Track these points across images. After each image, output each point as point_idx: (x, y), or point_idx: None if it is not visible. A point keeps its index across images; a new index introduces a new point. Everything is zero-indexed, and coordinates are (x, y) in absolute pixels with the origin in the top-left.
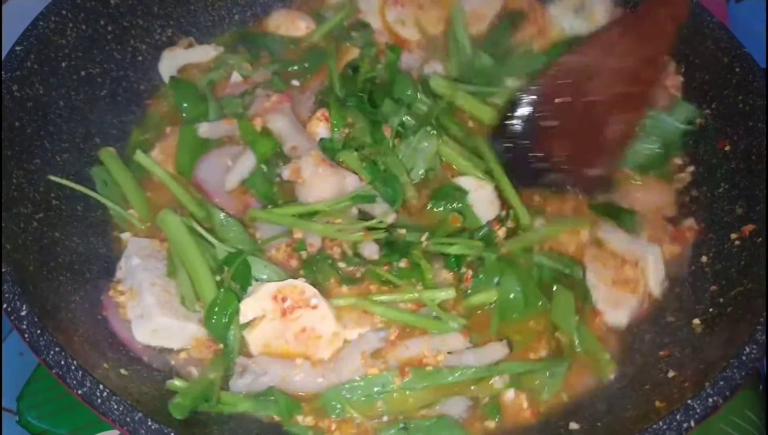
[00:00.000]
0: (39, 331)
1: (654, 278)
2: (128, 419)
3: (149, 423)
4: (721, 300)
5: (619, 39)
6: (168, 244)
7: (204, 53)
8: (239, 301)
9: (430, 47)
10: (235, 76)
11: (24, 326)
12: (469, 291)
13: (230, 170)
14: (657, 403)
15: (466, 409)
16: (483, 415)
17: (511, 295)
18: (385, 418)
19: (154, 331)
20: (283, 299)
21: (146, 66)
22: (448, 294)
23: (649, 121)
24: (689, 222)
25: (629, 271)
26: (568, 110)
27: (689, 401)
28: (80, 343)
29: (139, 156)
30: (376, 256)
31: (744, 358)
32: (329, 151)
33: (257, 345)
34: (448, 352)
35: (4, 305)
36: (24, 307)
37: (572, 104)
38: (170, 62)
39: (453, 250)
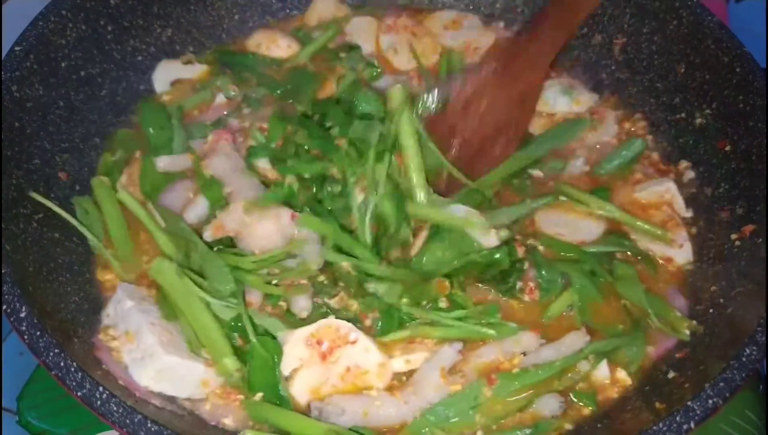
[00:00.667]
0: (38, 333)
1: (679, 202)
2: (128, 421)
3: (149, 425)
4: (721, 300)
5: (490, 80)
6: (158, 290)
7: (200, 71)
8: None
9: (424, 78)
10: (220, 98)
11: (23, 328)
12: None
13: (188, 207)
14: (657, 405)
15: (560, 405)
16: (578, 405)
17: (583, 288)
18: (479, 433)
19: (159, 372)
20: (319, 342)
21: (146, 66)
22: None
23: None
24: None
25: (659, 213)
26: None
27: (689, 402)
28: (80, 344)
29: (98, 183)
30: (305, 314)
31: (744, 359)
32: (253, 156)
33: (303, 396)
34: (523, 353)
35: (4, 306)
36: (23, 309)
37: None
38: (164, 74)
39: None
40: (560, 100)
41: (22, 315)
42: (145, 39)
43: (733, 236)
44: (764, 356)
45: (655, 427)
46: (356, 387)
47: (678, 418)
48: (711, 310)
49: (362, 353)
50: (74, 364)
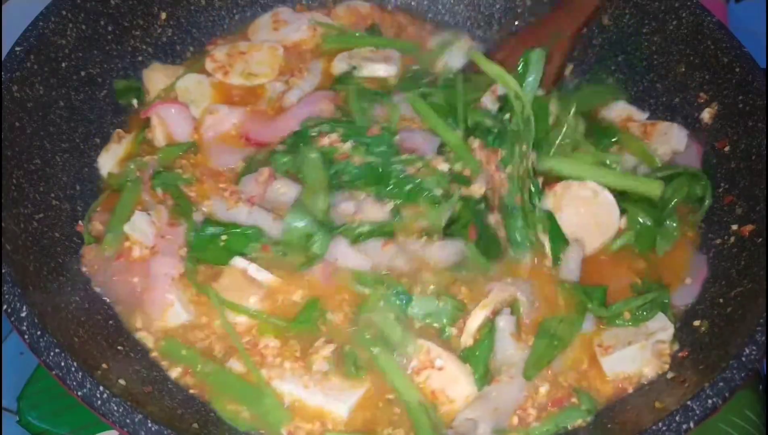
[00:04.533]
0: (39, 333)
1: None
2: (128, 420)
3: (149, 424)
4: (721, 300)
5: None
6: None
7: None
8: None
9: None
10: None
11: (24, 327)
12: None
13: None
14: (656, 404)
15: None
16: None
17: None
18: None
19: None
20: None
21: (146, 66)
22: None
23: None
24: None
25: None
26: None
27: (688, 402)
28: (80, 344)
29: None
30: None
31: (743, 358)
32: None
33: None
34: None
35: (4, 306)
36: (24, 308)
37: None
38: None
39: None
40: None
41: (23, 315)
42: (145, 39)
43: (733, 236)
44: (764, 356)
45: (654, 427)
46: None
47: (677, 418)
48: (711, 310)
49: (451, 382)
50: (75, 363)
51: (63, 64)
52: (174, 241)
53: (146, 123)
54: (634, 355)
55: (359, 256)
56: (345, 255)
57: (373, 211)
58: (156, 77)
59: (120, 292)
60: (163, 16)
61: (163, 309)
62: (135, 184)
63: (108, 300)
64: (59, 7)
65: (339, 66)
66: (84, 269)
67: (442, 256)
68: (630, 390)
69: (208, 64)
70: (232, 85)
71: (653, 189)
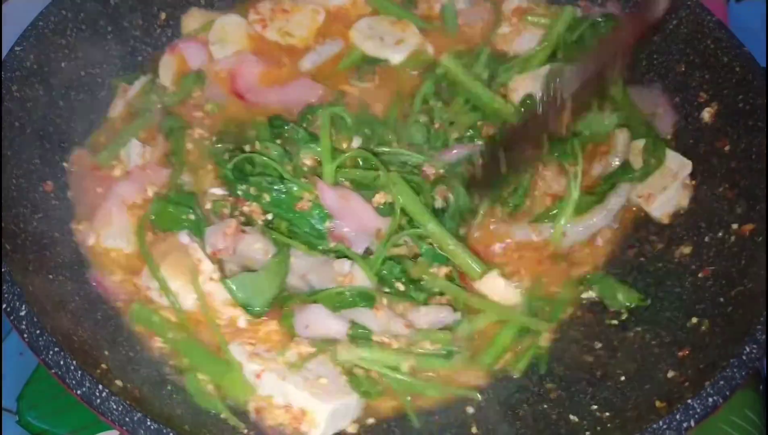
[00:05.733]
0: (38, 332)
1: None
2: (127, 419)
3: (148, 423)
4: (721, 299)
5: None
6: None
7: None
8: None
9: None
10: None
11: (23, 326)
12: None
13: None
14: (657, 403)
15: None
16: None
17: None
18: None
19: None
20: None
21: (146, 66)
22: None
23: None
24: None
25: None
26: None
27: (689, 401)
28: (80, 343)
29: None
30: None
31: (744, 357)
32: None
33: None
34: None
35: (4, 305)
36: (23, 307)
37: None
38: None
39: None
40: None
41: (22, 314)
42: (145, 39)
43: (733, 236)
44: (764, 355)
45: (655, 426)
46: None
47: (678, 417)
48: (711, 309)
49: None
50: (74, 362)
51: (63, 64)
52: (149, 176)
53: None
54: (671, 195)
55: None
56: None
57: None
58: (191, 21)
59: (84, 197)
60: (163, 16)
61: (103, 225)
62: (147, 115)
63: (71, 199)
64: (59, 7)
65: (355, 35)
66: (65, 165)
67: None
68: (667, 222)
69: (251, 16)
70: (266, 39)
71: None
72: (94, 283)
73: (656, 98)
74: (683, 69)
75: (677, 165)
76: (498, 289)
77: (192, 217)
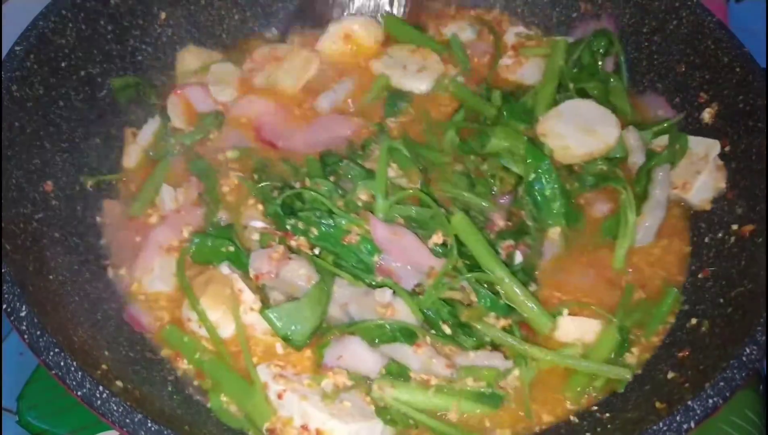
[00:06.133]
0: (38, 332)
1: None
2: (128, 420)
3: (149, 424)
4: (721, 300)
5: None
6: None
7: None
8: None
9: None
10: None
11: (23, 327)
12: None
13: None
14: (657, 404)
15: None
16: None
17: None
18: None
19: None
20: None
21: (146, 66)
22: None
23: None
24: None
25: None
26: None
27: (689, 402)
28: (80, 343)
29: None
30: None
31: (744, 358)
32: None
33: None
34: None
35: (4, 306)
36: (23, 308)
37: None
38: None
39: None
40: None
41: (22, 314)
42: (145, 39)
43: (733, 236)
44: (764, 356)
45: (655, 427)
46: None
47: (678, 418)
48: (711, 310)
49: None
50: (74, 363)
51: (63, 64)
52: (184, 217)
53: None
54: (707, 179)
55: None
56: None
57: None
58: (189, 58)
59: (121, 246)
60: (163, 15)
61: (144, 272)
62: (170, 159)
63: (104, 247)
64: (59, 7)
65: (377, 66)
66: (99, 220)
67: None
68: (709, 208)
69: (247, 64)
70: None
71: None
72: (128, 320)
73: (656, 102)
74: (683, 69)
75: (704, 148)
76: (572, 330)
77: (231, 248)
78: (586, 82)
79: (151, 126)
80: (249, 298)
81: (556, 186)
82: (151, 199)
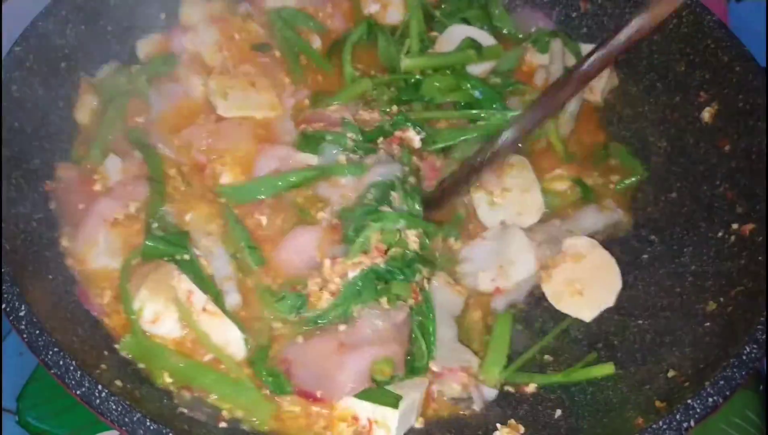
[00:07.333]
0: (38, 332)
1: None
2: (127, 419)
3: (148, 423)
4: (721, 300)
5: None
6: None
7: None
8: None
9: None
10: None
11: (23, 326)
12: None
13: None
14: (657, 403)
15: None
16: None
17: None
18: None
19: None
20: None
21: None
22: None
23: None
24: None
25: None
26: None
27: (689, 401)
28: (79, 343)
29: None
30: None
31: (744, 357)
32: None
33: None
34: None
35: (3, 305)
36: (23, 308)
37: None
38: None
39: None
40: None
41: (22, 314)
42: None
43: (733, 235)
44: (764, 355)
45: (655, 426)
46: None
47: (678, 417)
48: (711, 310)
49: None
50: (73, 362)
51: (63, 64)
52: (131, 192)
53: None
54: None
55: None
56: None
57: None
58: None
59: (67, 212)
60: (163, 16)
61: (88, 245)
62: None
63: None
64: (59, 7)
65: None
66: (48, 182)
67: None
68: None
69: None
70: None
71: None
72: (80, 299)
73: (534, 16)
74: (683, 69)
75: None
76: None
77: (187, 257)
78: (466, 11)
79: (105, 70)
80: (200, 299)
81: None
82: (101, 153)
